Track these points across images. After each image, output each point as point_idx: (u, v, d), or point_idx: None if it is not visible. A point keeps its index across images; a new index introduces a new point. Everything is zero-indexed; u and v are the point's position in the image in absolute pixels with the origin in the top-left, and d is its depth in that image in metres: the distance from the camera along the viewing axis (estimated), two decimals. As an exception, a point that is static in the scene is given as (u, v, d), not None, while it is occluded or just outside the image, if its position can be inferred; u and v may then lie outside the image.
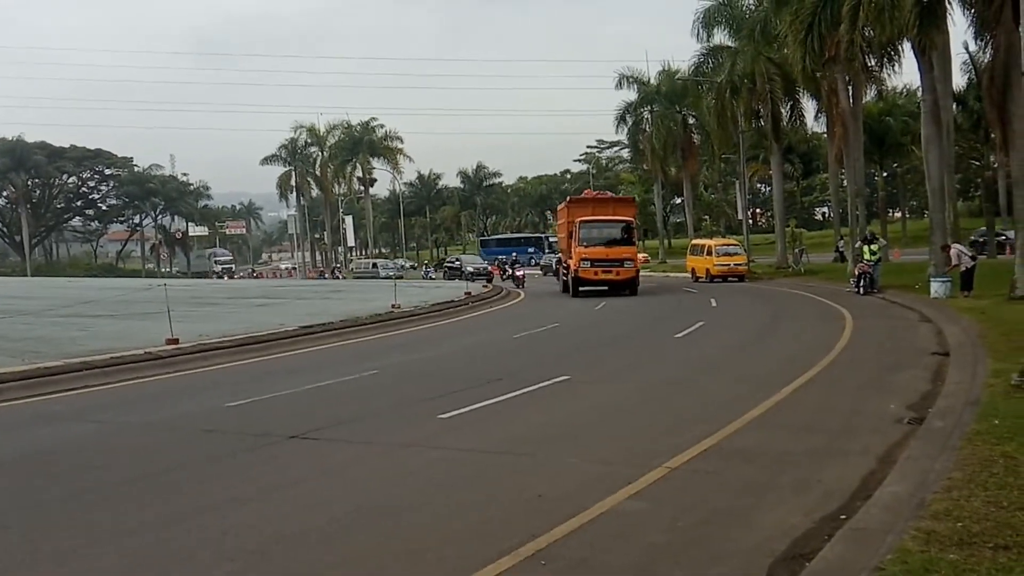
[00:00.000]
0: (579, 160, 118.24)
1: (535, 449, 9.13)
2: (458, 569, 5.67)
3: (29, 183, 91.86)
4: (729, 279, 42.61)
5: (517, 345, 18.77)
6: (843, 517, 6.38)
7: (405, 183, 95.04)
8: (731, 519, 6.58)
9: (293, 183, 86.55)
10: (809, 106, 46.12)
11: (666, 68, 58.76)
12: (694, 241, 49.72)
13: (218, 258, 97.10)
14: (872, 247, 30.59)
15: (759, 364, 15.04)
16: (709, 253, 44.10)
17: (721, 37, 47.03)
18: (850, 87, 37.54)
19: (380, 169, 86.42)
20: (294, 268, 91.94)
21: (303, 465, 8.75)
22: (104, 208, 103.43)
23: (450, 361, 16.72)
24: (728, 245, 46.36)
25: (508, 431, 10.07)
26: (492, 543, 6.08)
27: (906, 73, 72.52)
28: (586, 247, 33.48)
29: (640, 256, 45.93)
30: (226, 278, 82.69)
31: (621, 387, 13.26)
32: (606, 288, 33.65)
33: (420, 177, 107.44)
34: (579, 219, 34.21)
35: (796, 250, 47.35)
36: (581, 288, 34.07)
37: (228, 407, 11.88)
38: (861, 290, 29.40)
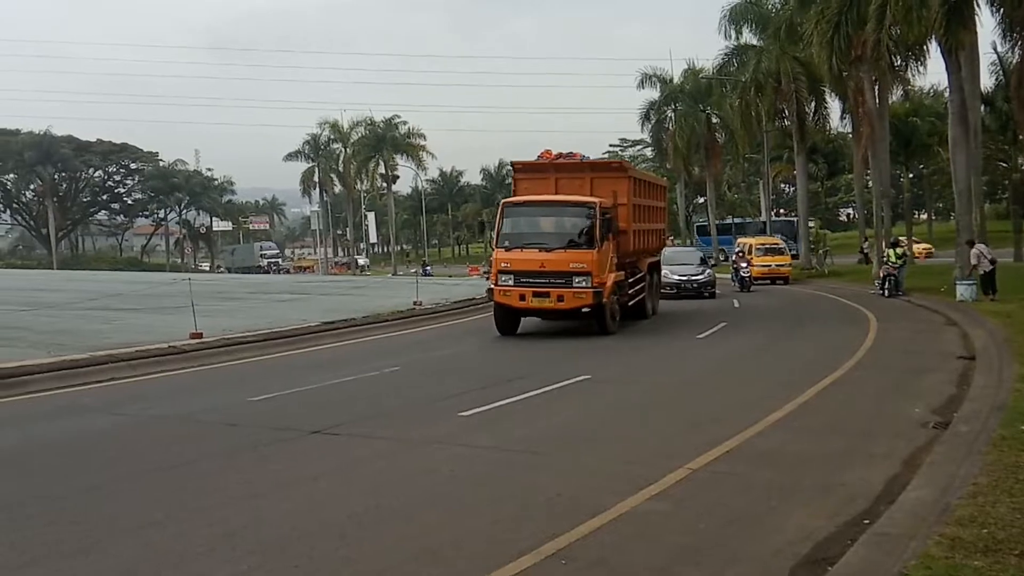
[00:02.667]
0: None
1: (555, 448, 9.12)
2: (478, 567, 5.67)
3: (56, 176, 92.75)
4: (776, 282, 37.84)
5: (537, 342, 18.75)
6: (866, 521, 6.32)
7: (428, 180, 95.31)
8: (753, 521, 6.54)
9: (316, 179, 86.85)
10: (834, 106, 45.75)
11: (690, 67, 58.49)
12: (738, 240, 46.79)
13: (264, 251, 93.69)
14: (896, 250, 30.31)
15: (782, 366, 14.95)
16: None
17: (747, 36, 46.75)
18: (876, 87, 37.19)
19: (403, 166, 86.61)
20: (315, 263, 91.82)
21: (323, 460, 8.77)
22: (129, 202, 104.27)
23: (471, 359, 16.72)
24: (769, 243, 41.31)
25: (528, 429, 10.06)
26: (512, 542, 6.07)
27: (933, 73, 71.83)
28: (507, 250, 18.91)
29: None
30: (272, 272, 79.17)
31: (642, 387, 13.22)
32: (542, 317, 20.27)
33: (442, 174, 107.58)
34: (508, 202, 20.08)
35: (820, 251, 46.97)
36: (504, 321, 19.67)
37: (250, 401, 11.94)
38: (886, 292, 29.14)
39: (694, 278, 30.36)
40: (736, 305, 27.21)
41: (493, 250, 19.77)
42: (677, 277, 29.72)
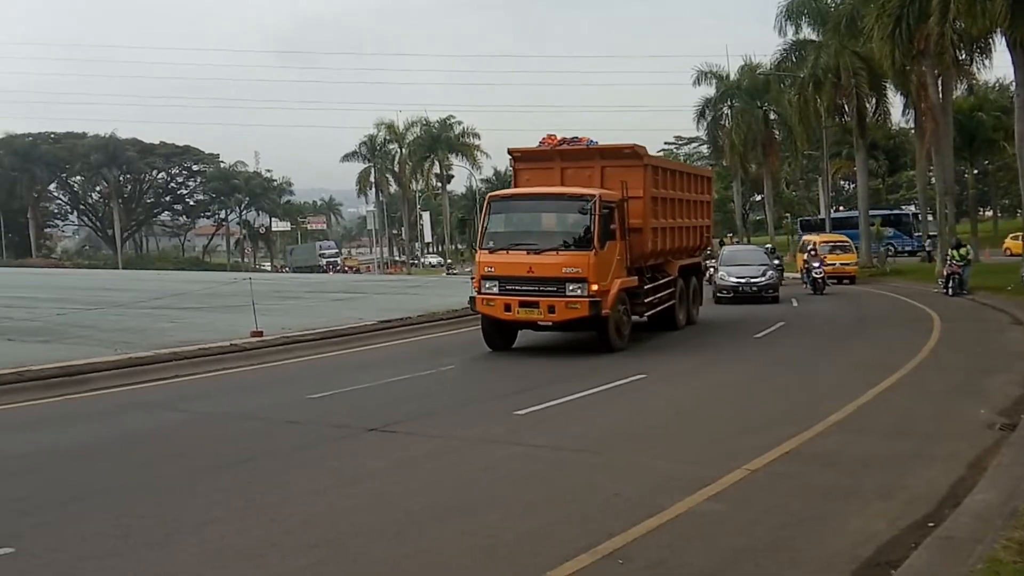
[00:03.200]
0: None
1: (611, 447, 9.11)
2: (534, 566, 5.70)
3: (121, 178, 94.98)
4: (843, 281, 35.69)
5: (592, 341, 18.69)
6: (931, 525, 6.21)
7: (482, 179, 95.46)
8: (813, 524, 6.47)
9: (372, 179, 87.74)
10: (896, 101, 44.85)
11: (747, 63, 57.85)
12: (804, 237, 44.97)
13: (324, 251, 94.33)
14: (960, 251, 29.59)
15: (842, 366, 14.73)
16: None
17: (805, 31, 46.06)
18: (939, 81, 36.36)
19: (458, 165, 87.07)
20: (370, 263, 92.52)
21: (380, 458, 8.88)
22: (191, 203, 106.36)
23: (526, 357, 16.75)
24: (833, 241, 39.03)
25: (584, 428, 10.06)
26: (568, 541, 6.08)
27: (998, 67, 69.90)
28: (491, 252, 16.40)
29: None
30: (331, 272, 79.85)
31: (698, 386, 13.13)
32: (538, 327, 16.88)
33: (496, 173, 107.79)
34: (493, 196, 17.61)
35: (881, 249, 46.08)
36: (493, 334, 16.97)
37: (309, 399, 12.12)
38: (950, 291, 28.48)
39: (753, 281, 27.58)
40: (795, 304, 26.80)
41: (476, 252, 17.21)
42: (734, 279, 27.62)
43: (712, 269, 29.54)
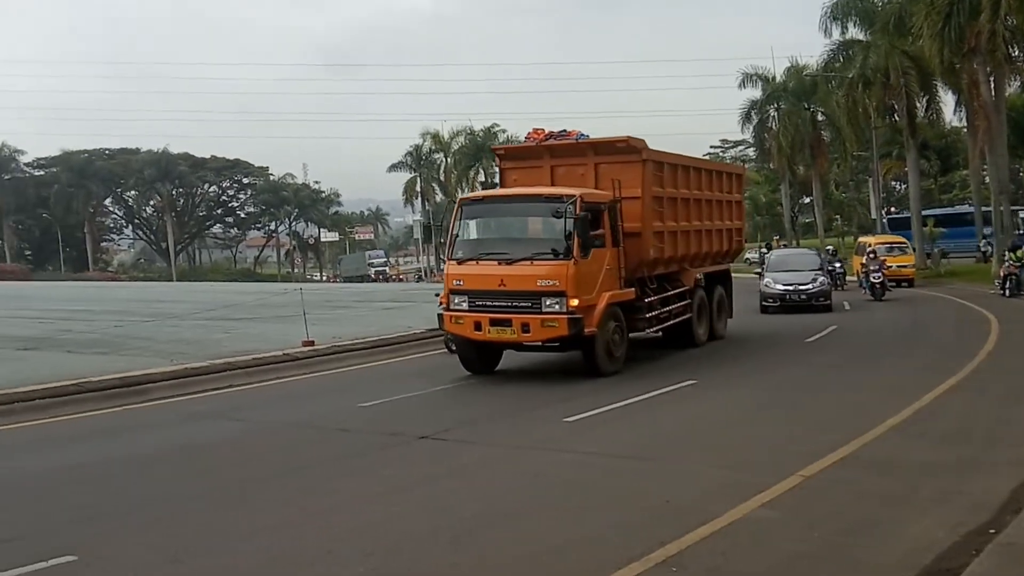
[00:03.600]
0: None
1: (662, 453, 9.07)
2: (587, 573, 5.70)
3: (174, 192, 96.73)
4: (902, 284, 33.53)
5: (640, 348, 18.61)
6: (992, 531, 6.09)
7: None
8: (870, 530, 6.38)
9: (418, 189, 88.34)
10: (947, 99, 44.00)
11: (793, 64, 57.20)
12: (860, 239, 43.40)
13: (372, 260, 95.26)
14: (1018, 252, 28.90)
15: (897, 369, 14.48)
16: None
17: (852, 31, 45.45)
18: (992, 79, 35.62)
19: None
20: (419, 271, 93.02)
21: (432, 466, 8.94)
22: (242, 215, 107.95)
23: (575, 363, 16.70)
24: (891, 242, 36.86)
25: (634, 435, 10.04)
26: (620, 548, 6.07)
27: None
28: (460, 263, 14.58)
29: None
30: (380, 280, 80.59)
31: (749, 391, 13.00)
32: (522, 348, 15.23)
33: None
34: (464, 199, 15.95)
35: (935, 250, 45.19)
36: (469, 355, 15.14)
37: (361, 407, 12.24)
38: (1007, 292, 27.84)
39: (802, 288, 25.07)
40: (847, 308, 26.36)
41: (445, 262, 15.26)
42: (781, 287, 25.20)
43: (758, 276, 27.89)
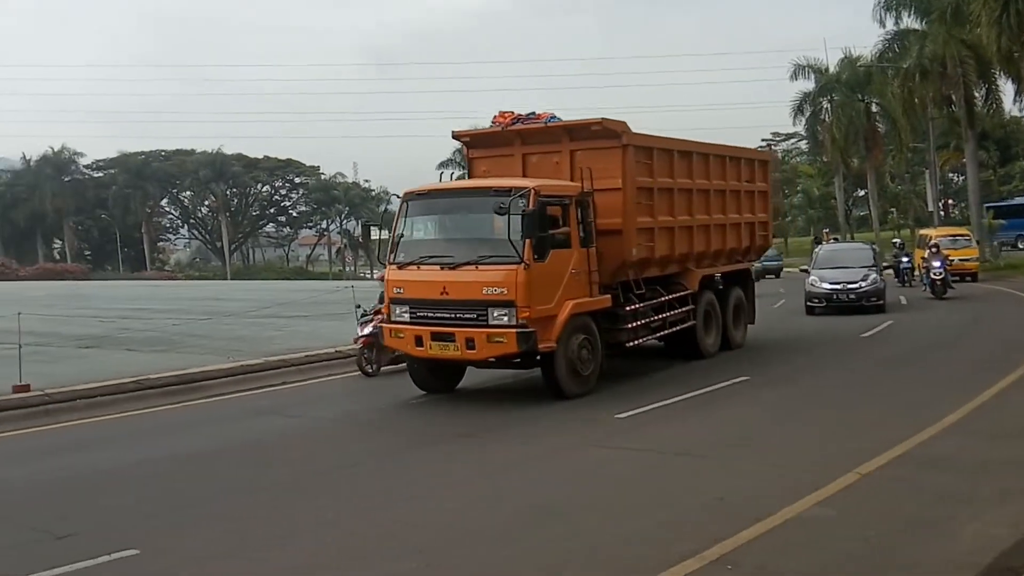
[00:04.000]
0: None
1: (714, 451, 9.01)
2: (640, 570, 5.70)
3: (228, 192, 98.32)
4: (965, 278, 31.43)
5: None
6: (1055, 531, 5.96)
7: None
8: (927, 529, 6.28)
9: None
10: (1007, 88, 42.89)
11: (847, 55, 56.25)
12: (920, 231, 42.20)
13: None
14: None
15: (955, 365, 14.20)
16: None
17: (907, 20, 44.57)
18: (1053, 67, 34.66)
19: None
20: None
21: (480, 462, 9.01)
22: (294, 215, 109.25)
23: (623, 360, 16.63)
24: (954, 234, 35.00)
25: (686, 431, 10.00)
26: (673, 545, 6.06)
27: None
28: (401, 268, 12.72)
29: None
30: None
31: (803, 388, 12.84)
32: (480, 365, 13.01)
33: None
34: (409, 194, 13.34)
35: (994, 243, 44.15)
36: (421, 372, 13.13)
37: (412, 404, 12.35)
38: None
39: (851, 286, 22.87)
40: (903, 302, 25.79)
41: (385, 266, 13.18)
42: (828, 286, 23.08)
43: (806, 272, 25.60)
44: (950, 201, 71.13)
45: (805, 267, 26.27)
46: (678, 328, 14.95)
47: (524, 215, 11.59)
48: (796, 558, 5.81)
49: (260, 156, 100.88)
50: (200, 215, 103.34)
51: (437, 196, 13.47)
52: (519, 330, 11.45)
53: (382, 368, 14.97)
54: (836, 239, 48.40)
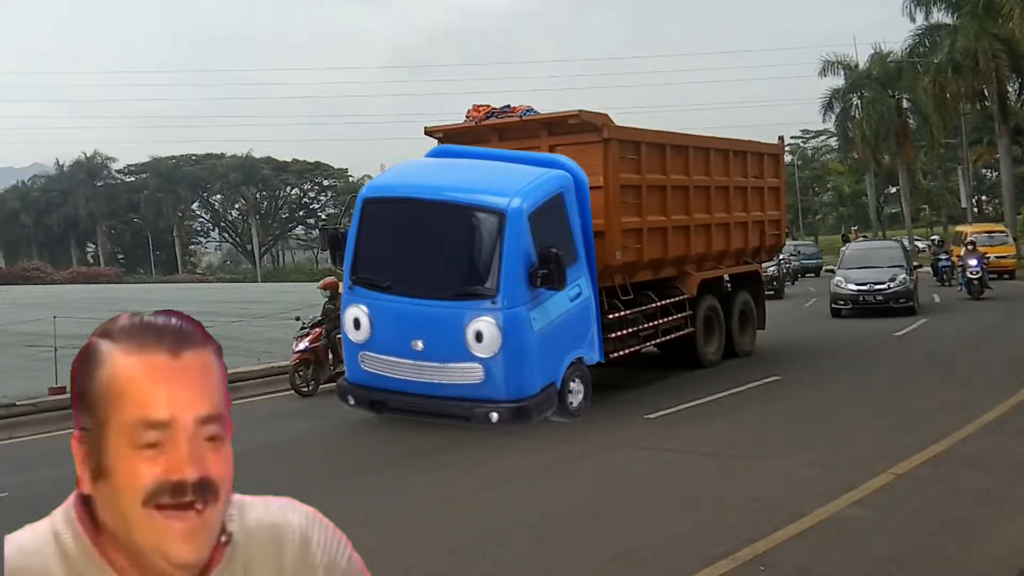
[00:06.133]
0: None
1: (746, 451, 8.96)
2: (674, 571, 5.68)
3: (258, 196, 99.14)
4: (1003, 276, 30.08)
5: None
6: (1096, 532, 5.86)
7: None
8: (965, 530, 6.20)
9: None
10: (1042, 82, 42.31)
11: (877, 51, 55.71)
12: (956, 228, 41.40)
13: None
14: None
15: (993, 363, 13.97)
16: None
17: (937, 15, 44.08)
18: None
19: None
20: None
21: (515, 462, 9.00)
22: (323, 217, 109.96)
23: (653, 359, 16.57)
24: (988, 231, 33.50)
25: (718, 431, 9.93)
26: (706, 546, 6.02)
27: None
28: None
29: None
30: None
31: (836, 387, 12.71)
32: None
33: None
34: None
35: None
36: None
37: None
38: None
39: (878, 287, 21.61)
40: (937, 300, 25.46)
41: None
42: (854, 287, 21.86)
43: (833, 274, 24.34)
44: (984, 198, 70.18)
45: (831, 267, 25.17)
46: (673, 336, 13.79)
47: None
48: (831, 559, 5.76)
49: (289, 159, 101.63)
50: (231, 218, 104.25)
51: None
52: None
53: (320, 387, 13.47)
54: (865, 237, 47.79)
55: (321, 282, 15.34)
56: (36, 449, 10.80)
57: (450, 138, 13.17)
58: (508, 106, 13.24)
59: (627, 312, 12.57)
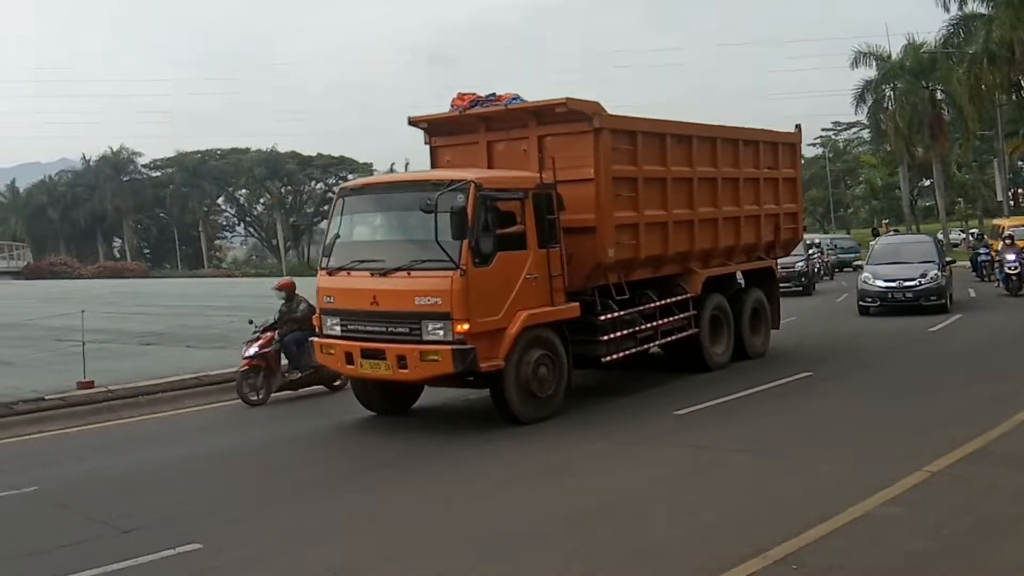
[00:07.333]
0: (813, 144, 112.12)
1: (777, 448, 8.83)
2: (703, 568, 5.58)
3: (282, 190, 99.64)
4: None
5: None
6: None
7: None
8: (1002, 528, 6.06)
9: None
10: (1080, 72, 41.48)
11: (910, 41, 54.91)
12: (993, 222, 40.06)
13: None
14: None
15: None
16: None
17: (972, 5, 43.39)
18: None
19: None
20: None
21: (538, 459, 8.92)
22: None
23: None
24: (1021, 225, 31.33)
25: (748, 428, 9.79)
26: (737, 543, 5.92)
27: None
28: (331, 274, 11.10)
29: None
30: None
31: (869, 383, 12.50)
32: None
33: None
34: (345, 189, 11.99)
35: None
36: (367, 392, 11.56)
37: (465, 399, 12.28)
38: None
39: (908, 284, 20.62)
40: (972, 295, 25.03)
41: (317, 271, 11.58)
42: (883, 283, 20.91)
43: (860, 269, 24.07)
44: (1020, 191, 69.07)
45: (860, 262, 24.29)
46: (675, 337, 13.06)
47: (454, 212, 9.70)
48: (864, 558, 5.63)
49: (314, 154, 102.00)
50: (256, 213, 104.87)
51: (374, 191, 11.87)
52: (455, 347, 9.73)
53: (272, 394, 12.88)
54: (896, 231, 47.13)
55: (277, 283, 14.54)
56: (64, 443, 10.87)
57: (436, 128, 12.86)
58: (494, 94, 12.50)
59: (622, 313, 11.95)
